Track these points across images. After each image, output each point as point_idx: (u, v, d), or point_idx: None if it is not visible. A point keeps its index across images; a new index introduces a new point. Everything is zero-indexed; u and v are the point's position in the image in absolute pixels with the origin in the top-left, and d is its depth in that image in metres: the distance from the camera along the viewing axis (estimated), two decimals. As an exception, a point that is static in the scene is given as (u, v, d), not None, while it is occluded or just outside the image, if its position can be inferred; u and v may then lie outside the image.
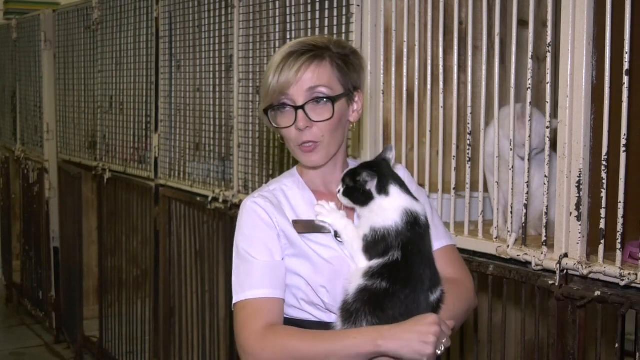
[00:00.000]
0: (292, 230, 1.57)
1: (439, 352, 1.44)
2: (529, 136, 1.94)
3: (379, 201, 1.53)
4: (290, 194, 1.63)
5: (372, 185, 1.54)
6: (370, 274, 1.50)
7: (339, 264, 1.55)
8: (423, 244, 1.54)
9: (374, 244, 1.51)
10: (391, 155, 1.62)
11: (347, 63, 1.58)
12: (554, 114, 1.91)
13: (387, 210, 1.52)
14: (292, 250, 1.56)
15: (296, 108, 1.54)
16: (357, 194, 1.55)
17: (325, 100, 1.54)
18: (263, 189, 1.65)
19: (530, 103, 1.93)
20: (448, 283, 1.57)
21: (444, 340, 1.44)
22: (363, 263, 1.52)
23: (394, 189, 1.54)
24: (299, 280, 1.55)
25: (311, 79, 1.53)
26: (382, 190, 1.53)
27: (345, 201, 1.57)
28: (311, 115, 1.54)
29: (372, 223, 1.52)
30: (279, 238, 1.56)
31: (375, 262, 1.51)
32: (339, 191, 1.57)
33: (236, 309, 1.55)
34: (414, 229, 1.52)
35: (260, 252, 1.54)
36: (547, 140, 1.90)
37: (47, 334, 5.08)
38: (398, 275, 1.49)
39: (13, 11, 5.90)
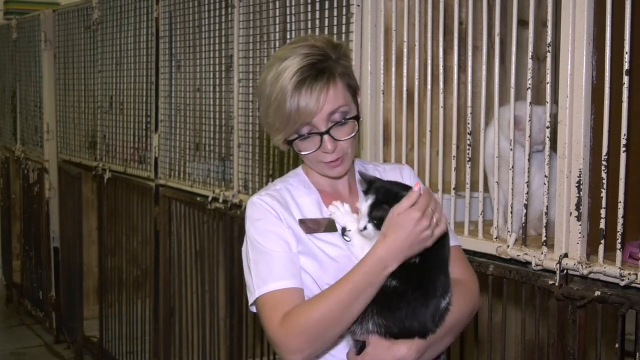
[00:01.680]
0: (299, 228, 1.58)
1: (437, 228, 1.44)
2: (529, 121, 1.94)
3: None
4: (296, 193, 1.64)
5: None
6: None
7: (345, 262, 1.55)
8: (442, 250, 1.54)
9: None
10: (372, 173, 1.64)
11: (347, 68, 1.58)
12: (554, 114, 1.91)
13: None
14: (299, 247, 1.57)
15: (322, 134, 1.53)
16: None
17: (347, 119, 1.55)
18: (269, 188, 1.65)
19: (530, 103, 1.93)
20: (453, 284, 1.57)
21: (435, 215, 1.44)
22: None
23: None
24: (306, 277, 1.56)
25: (331, 104, 1.52)
26: None
27: (375, 233, 1.50)
28: (336, 135, 1.54)
29: None
30: (289, 232, 1.57)
31: None
32: (364, 228, 1.51)
33: (258, 305, 1.55)
34: None
35: (277, 244, 1.55)
36: (546, 137, 1.90)
37: (47, 334, 5.08)
38: (412, 278, 1.49)
39: (13, 11, 5.90)
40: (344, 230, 1.60)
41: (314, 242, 1.57)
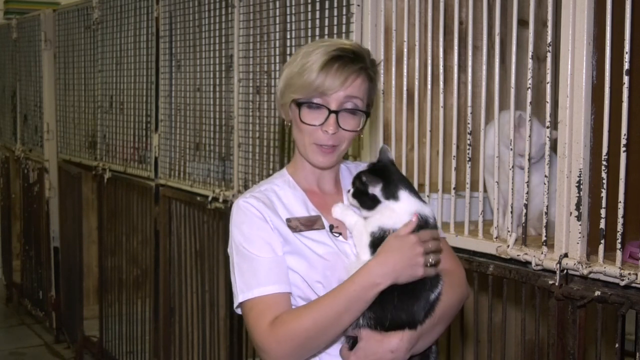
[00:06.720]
0: (286, 228, 1.58)
1: (431, 266, 1.51)
2: (529, 143, 1.94)
3: (390, 205, 1.55)
4: (281, 193, 1.65)
5: (375, 190, 1.55)
6: None
7: (333, 259, 1.57)
8: None
9: (382, 241, 1.53)
10: (391, 156, 1.65)
11: (374, 79, 1.63)
12: (554, 114, 1.91)
13: (398, 214, 1.54)
14: (286, 247, 1.58)
15: (331, 112, 1.56)
16: (364, 197, 1.56)
17: (359, 112, 1.59)
18: (254, 190, 1.66)
19: (530, 103, 1.93)
20: (442, 274, 1.59)
21: (431, 256, 1.51)
22: (367, 257, 1.54)
23: (403, 194, 1.56)
24: (295, 276, 1.57)
25: (353, 90, 1.57)
26: (391, 195, 1.55)
27: (354, 202, 1.59)
28: (341, 122, 1.58)
29: (381, 224, 1.54)
30: (275, 234, 1.58)
31: None
32: (349, 191, 1.60)
33: (245, 308, 1.56)
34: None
35: (262, 249, 1.56)
36: (546, 148, 1.90)
37: (47, 334, 5.08)
38: None
39: (13, 11, 5.90)
40: (331, 227, 1.62)
41: (302, 240, 1.58)
